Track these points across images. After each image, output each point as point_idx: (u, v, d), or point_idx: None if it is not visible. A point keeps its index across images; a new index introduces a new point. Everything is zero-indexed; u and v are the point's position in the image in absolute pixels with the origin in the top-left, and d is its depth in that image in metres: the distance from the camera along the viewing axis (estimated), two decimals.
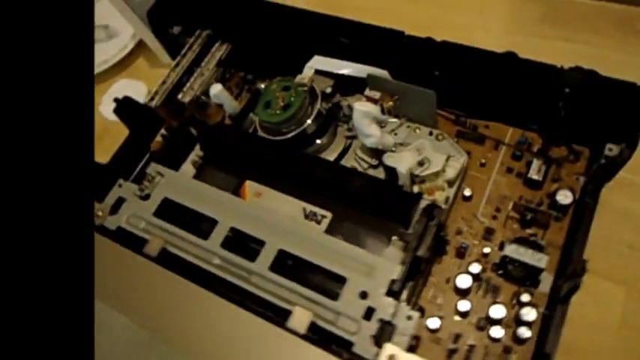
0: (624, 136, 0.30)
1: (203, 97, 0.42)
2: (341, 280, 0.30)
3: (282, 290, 0.30)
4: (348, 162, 0.39)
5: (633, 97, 0.30)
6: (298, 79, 0.37)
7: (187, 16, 0.46)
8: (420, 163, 0.34)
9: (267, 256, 0.31)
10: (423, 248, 0.30)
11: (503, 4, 0.47)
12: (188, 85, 0.43)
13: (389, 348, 0.26)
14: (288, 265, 0.31)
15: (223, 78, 0.46)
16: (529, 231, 0.35)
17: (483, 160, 0.38)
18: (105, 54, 0.56)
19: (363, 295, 0.29)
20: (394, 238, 0.32)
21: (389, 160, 0.34)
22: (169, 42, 0.48)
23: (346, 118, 0.40)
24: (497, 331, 0.32)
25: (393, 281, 0.29)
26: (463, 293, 0.34)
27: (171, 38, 0.47)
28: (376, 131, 0.35)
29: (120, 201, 0.36)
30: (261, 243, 0.32)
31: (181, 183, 0.36)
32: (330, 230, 0.34)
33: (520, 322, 0.32)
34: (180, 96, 0.43)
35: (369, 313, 0.29)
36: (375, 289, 0.29)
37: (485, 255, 0.35)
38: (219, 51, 0.45)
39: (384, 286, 0.29)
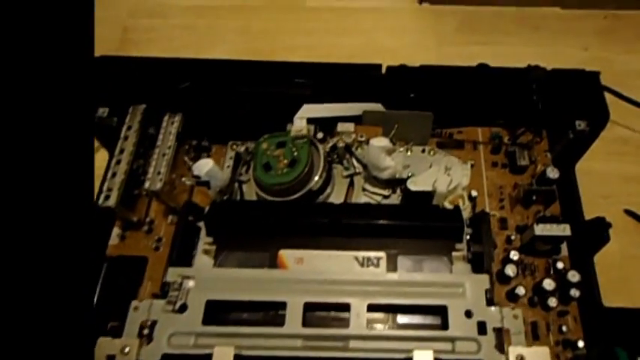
0: (583, 114, 0.38)
1: (184, 179, 0.38)
2: (439, 310, 0.31)
3: (388, 343, 0.30)
4: (358, 200, 0.39)
5: (579, 81, 0.38)
6: (294, 132, 0.36)
7: (114, 94, 0.41)
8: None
9: (357, 315, 0.30)
10: (490, 252, 0.32)
11: (423, 21, 0.53)
12: (152, 170, 0.38)
13: (514, 350, 0.28)
14: (381, 316, 0.31)
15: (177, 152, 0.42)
16: (533, 209, 0.40)
17: (472, 162, 0.42)
18: None
19: (468, 314, 0.30)
20: (455, 253, 0.34)
21: (416, 185, 0.36)
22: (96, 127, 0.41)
23: (339, 157, 0.40)
24: (552, 302, 0.36)
25: (487, 290, 0.31)
26: (508, 280, 0.37)
27: (97, 122, 0.41)
28: (391, 162, 0.36)
29: (148, 326, 0.30)
30: (344, 306, 0.31)
31: (216, 277, 0.32)
32: (389, 269, 0.34)
33: (568, 284, 0.36)
34: (147, 185, 0.38)
35: (482, 328, 0.30)
36: (476, 303, 0.31)
37: (510, 242, 0.39)
38: (172, 123, 0.40)
39: (482, 298, 0.31)
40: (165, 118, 0.41)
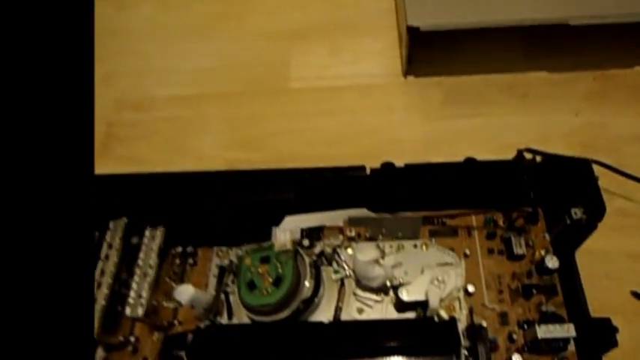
0: (579, 202, 0.36)
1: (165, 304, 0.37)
2: None
3: None
4: (350, 305, 0.38)
5: (571, 168, 0.36)
6: (277, 247, 0.35)
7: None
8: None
9: None
10: None
11: (408, 96, 0.52)
12: (133, 294, 0.37)
13: None
14: None
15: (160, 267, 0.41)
16: (534, 300, 0.39)
17: (467, 251, 0.41)
18: None
19: None
20: None
21: (409, 295, 0.35)
22: None
23: (327, 260, 0.39)
24: None
25: None
26: None
27: None
28: (381, 271, 0.35)
29: None
30: None
31: None
32: None
33: None
34: (128, 311, 0.36)
35: None
36: None
37: (512, 340, 0.37)
38: (154, 239, 0.40)
39: None
40: (147, 233, 0.40)
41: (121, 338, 0.38)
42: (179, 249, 0.42)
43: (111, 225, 0.41)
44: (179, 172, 0.40)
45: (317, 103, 0.54)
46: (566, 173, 0.37)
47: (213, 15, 0.63)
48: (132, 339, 0.39)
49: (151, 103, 0.56)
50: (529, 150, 0.41)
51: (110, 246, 0.40)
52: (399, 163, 0.39)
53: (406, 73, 0.55)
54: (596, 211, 0.35)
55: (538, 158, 0.40)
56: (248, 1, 0.64)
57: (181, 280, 0.40)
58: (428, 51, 0.51)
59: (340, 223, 0.37)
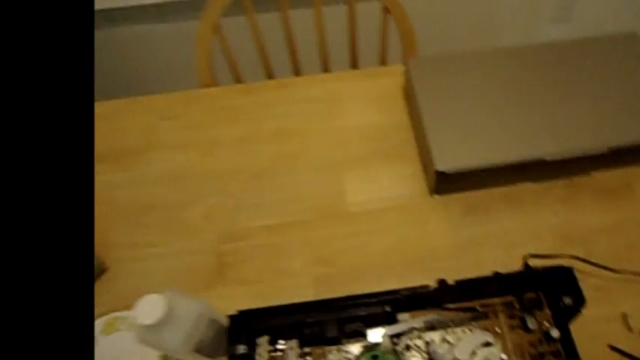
0: (568, 293, 0.58)
1: None
2: None
3: None
4: None
5: (561, 273, 0.58)
6: (384, 348, 0.55)
7: (247, 334, 0.60)
8: None
9: None
10: None
11: (436, 213, 0.75)
12: None
13: None
14: None
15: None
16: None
17: (498, 329, 0.61)
18: None
19: None
20: None
21: None
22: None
23: (409, 349, 0.59)
24: None
25: None
26: None
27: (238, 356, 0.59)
28: (449, 355, 0.55)
29: None
30: None
31: None
32: None
33: None
34: None
35: None
36: None
37: None
38: (291, 349, 0.59)
39: None
40: (287, 345, 0.60)
41: None
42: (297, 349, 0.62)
43: (258, 341, 0.60)
44: (301, 303, 0.60)
45: (370, 223, 0.75)
46: (558, 274, 0.58)
47: (278, 156, 0.84)
48: None
49: (247, 233, 0.76)
50: (533, 255, 0.63)
51: (261, 356, 0.59)
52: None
53: (432, 193, 0.76)
54: (578, 300, 0.57)
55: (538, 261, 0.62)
56: (302, 143, 0.85)
57: None
58: (449, 181, 0.73)
59: (416, 325, 0.57)
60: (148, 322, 0.51)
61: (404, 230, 0.74)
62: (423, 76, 0.82)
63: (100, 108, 0.95)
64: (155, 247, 0.76)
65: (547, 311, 0.62)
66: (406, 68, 0.84)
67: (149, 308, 0.52)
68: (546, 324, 0.62)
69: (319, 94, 0.93)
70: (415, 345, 0.59)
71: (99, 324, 0.68)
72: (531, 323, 0.61)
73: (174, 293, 0.55)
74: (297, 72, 1.23)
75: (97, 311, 0.70)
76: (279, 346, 0.62)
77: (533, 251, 0.65)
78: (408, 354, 0.59)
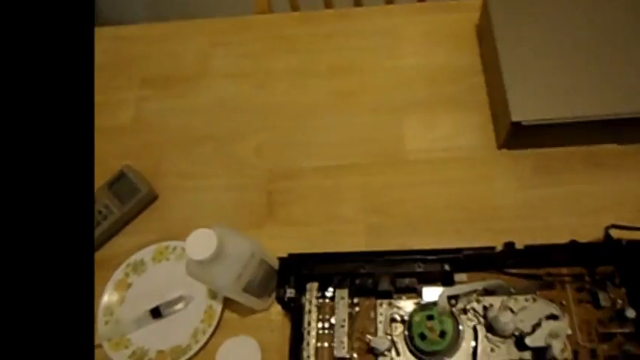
0: None
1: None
2: None
3: None
4: (484, 344, 0.55)
5: None
6: (440, 309, 0.52)
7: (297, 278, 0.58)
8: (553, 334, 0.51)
9: None
10: None
11: (503, 168, 0.70)
12: (336, 340, 0.55)
13: None
14: None
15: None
16: (616, 340, 0.55)
17: (564, 302, 0.57)
18: (193, 320, 0.63)
19: None
20: None
21: (533, 342, 0.51)
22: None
23: (465, 311, 0.56)
24: None
25: None
26: None
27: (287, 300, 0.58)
28: (512, 324, 0.52)
29: None
30: None
31: None
32: None
33: None
34: (335, 352, 0.54)
35: None
36: None
37: None
38: (342, 298, 0.57)
39: None
40: (337, 294, 0.58)
41: None
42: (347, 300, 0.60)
43: (307, 286, 0.58)
44: (354, 252, 0.57)
45: (429, 173, 0.70)
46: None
47: (334, 93, 0.78)
48: None
49: (299, 174, 0.72)
50: (614, 226, 0.57)
51: (310, 302, 0.57)
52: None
53: (501, 146, 0.70)
54: None
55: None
56: (360, 80, 0.79)
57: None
58: (523, 135, 0.66)
59: (478, 287, 0.54)
60: (199, 257, 0.49)
61: (467, 185, 0.69)
62: (504, 14, 0.72)
63: (152, 30, 0.90)
64: (205, 180, 0.74)
65: (622, 288, 0.57)
66: (484, 3, 0.75)
67: (201, 243, 0.50)
68: (620, 302, 0.57)
69: (381, 28, 0.85)
70: (472, 309, 0.56)
71: (149, 252, 0.68)
72: (604, 299, 0.57)
73: (226, 230, 0.53)
74: (357, 1, 1.14)
75: (146, 238, 0.69)
76: (327, 294, 0.60)
77: (612, 221, 0.59)
78: (463, 317, 0.56)
